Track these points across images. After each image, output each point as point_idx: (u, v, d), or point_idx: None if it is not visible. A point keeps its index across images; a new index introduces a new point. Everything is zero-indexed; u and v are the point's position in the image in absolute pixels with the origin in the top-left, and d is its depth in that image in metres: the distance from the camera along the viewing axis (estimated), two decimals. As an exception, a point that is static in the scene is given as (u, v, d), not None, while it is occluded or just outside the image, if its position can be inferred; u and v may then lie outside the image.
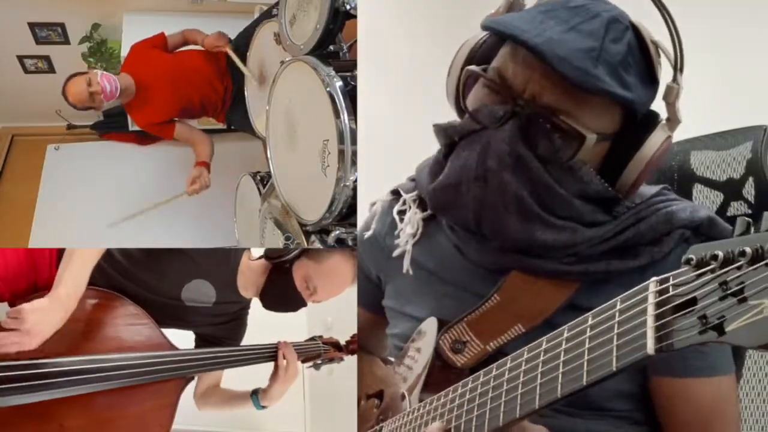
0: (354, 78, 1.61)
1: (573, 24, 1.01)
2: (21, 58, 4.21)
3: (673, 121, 1.07)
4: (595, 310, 0.76)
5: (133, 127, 4.28)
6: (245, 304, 1.77)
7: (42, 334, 1.32)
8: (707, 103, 2.27)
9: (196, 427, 2.25)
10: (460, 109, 1.11)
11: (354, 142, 1.52)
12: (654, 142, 1.04)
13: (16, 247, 2.14)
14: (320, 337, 1.88)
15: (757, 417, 1.38)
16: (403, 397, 1.11)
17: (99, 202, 3.58)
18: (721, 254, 0.61)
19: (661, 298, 0.67)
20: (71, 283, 1.40)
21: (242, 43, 2.69)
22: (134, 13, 3.88)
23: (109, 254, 1.55)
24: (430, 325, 1.09)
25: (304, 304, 1.67)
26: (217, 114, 3.08)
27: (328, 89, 1.56)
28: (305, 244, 1.72)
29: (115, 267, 1.57)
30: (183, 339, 1.70)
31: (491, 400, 0.86)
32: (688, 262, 0.65)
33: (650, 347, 0.65)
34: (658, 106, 1.08)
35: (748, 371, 1.35)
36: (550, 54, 0.96)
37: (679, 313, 0.64)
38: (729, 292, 0.59)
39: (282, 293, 1.67)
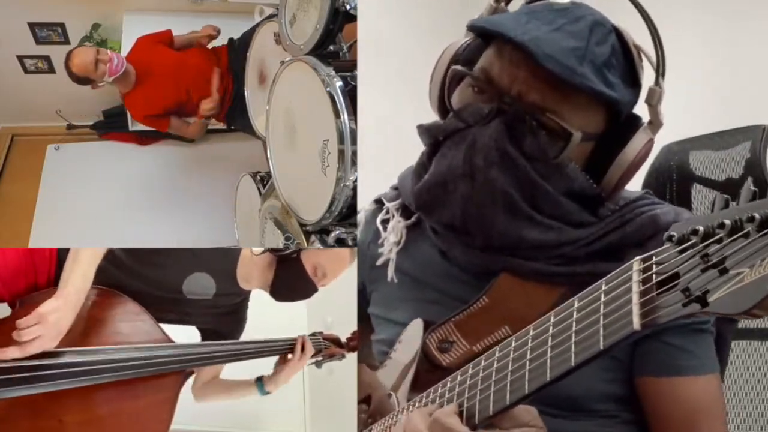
0: (354, 78, 1.61)
1: (558, 25, 1.02)
2: (21, 58, 4.22)
3: (656, 123, 1.09)
4: (580, 294, 0.77)
5: (133, 126, 4.29)
6: (245, 297, 1.78)
7: (60, 333, 1.34)
8: (706, 103, 2.28)
9: (196, 426, 2.25)
10: (444, 111, 1.12)
11: (354, 142, 1.52)
12: (636, 144, 1.05)
13: (16, 247, 2.14)
14: (320, 333, 1.89)
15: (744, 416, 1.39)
16: (388, 396, 1.12)
17: (99, 202, 3.59)
18: (701, 228, 0.62)
19: (645, 275, 0.68)
20: (79, 282, 1.42)
21: (244, 44, 2.70)
22: (134, 13, 3.89)
23: (109, 251, 1.56)
24: (416, 325, 1.09)
25: (316, 290, 1.71)
26: (217, 114, 3.09)
27: (328, 89, 1.56)
28: (305, 244, 1.72)
29: (115, 263, 1.58)
30: (185, 336, 1.71)
31: (480, 392, 0.86)
32: (669, 238, 0.66)
33: (636, 323, 0.66)
34: (641, 109, 1.09)
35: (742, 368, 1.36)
36: (536, 50, 0.97)
37: (663, 289, 0.65)
38: (710, 264, 0.60)
39: (294, 283, 1.70)
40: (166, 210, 3.76)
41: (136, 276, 1.61)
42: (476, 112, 1.05)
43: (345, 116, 1.53)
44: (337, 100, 1.54)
